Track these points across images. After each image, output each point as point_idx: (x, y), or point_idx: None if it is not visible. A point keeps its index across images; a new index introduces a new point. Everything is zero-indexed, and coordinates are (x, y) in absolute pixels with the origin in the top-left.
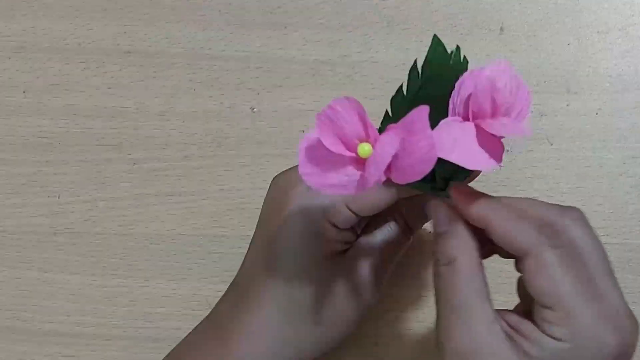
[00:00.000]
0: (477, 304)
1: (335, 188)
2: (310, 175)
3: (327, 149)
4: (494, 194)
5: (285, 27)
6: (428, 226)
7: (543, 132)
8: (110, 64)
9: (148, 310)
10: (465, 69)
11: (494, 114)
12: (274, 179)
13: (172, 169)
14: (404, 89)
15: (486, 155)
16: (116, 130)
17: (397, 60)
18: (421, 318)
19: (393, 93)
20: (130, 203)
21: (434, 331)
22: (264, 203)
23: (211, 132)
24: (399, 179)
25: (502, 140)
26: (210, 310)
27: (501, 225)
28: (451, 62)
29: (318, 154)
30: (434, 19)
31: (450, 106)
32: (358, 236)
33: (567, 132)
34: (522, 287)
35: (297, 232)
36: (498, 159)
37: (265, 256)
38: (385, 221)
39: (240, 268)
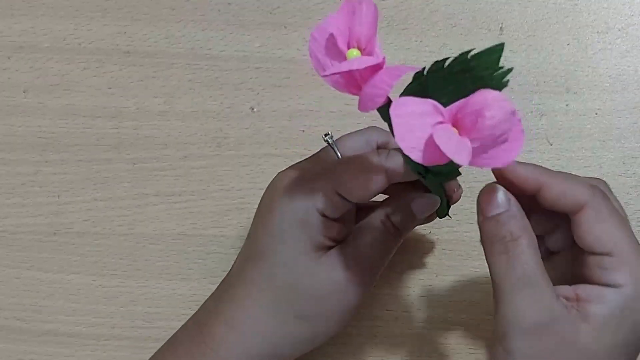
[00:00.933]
0: (544, 277)
1: (318, 65)
2: (315, 41)
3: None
4: None
5: (285, 27)
6: (418, 229)
7: (542, 132)
8: (110, 64)
9: (148, 310)
10: (500, 90)
11: (468, 134)
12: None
13: (171, 169)
14: (447, 62)
15: (419, 147)
16: (116, 130)
17: (397, 60)
18: (421, 318)
19: (393, 92)
20: (130, 203)
21: (438, 331)
22: (260, 201)
23: (211, 132)
24: (359, 104)
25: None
26: None
27: (557, 183)
28: (495, 74)
29: (329, 37)
30: (434, 18)
31: (455, 103)
32: (345, 237)
33: (567, 132)
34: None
35: (282, 223)
36: (427, 159)
37: (252, 250)
38: (374, 224)
39: (232, 265)
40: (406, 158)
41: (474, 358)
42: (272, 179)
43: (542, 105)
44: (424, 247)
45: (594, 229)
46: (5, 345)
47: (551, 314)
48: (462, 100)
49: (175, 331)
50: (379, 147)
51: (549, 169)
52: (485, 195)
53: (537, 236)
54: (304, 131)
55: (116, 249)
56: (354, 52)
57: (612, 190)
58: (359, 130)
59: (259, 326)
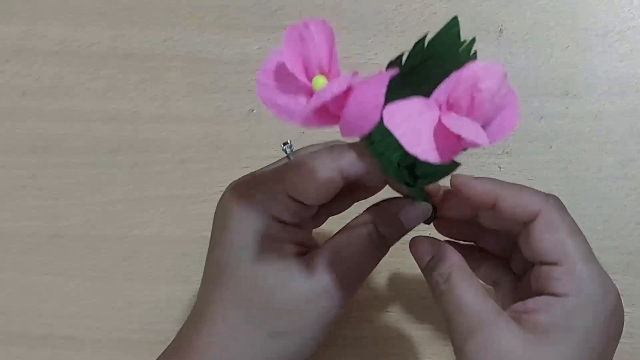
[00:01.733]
0: (484, 305)
1: (281, 110)
2: (264, 86)
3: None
4: None
5: (284, 30)
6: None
7: (542, 134)
8: (108, 67)
9: (147, 314)
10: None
11: (469, 114)
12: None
13: (170, 172)
14: (404, 57)
15: (432, 146)
16: (114, 133)
17: None
18: (421, 318)
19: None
20: (129, 206)
21: (437, 332)
22: (214, 216)
23: (209, 135)
24: (344, 130)
25: (465, 142)
26: None
27: (511, 194)
28: (460, 50)
29: (281, 70)
30: (433, 20)
31: (436, 91)
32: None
33: (566, 135)
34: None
35: (239, 236)
36: (445, 156)
37: (212, 265)
38: (358, 234)
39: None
40: (387, 168)
41: None
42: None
43: (541, 108)
44: None
45: (544, 237)
46: (3, 348)
47: (504, 345)
48: (449, 82)
49: (174, 335)
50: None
51: (504, 182)
52: (412, 249)
53: (502, 262)
54: (303, 133)
55: (114, 252)
56: (320, 80)
57: (611, 193)
58: (324, 144)
59: (232, 348)
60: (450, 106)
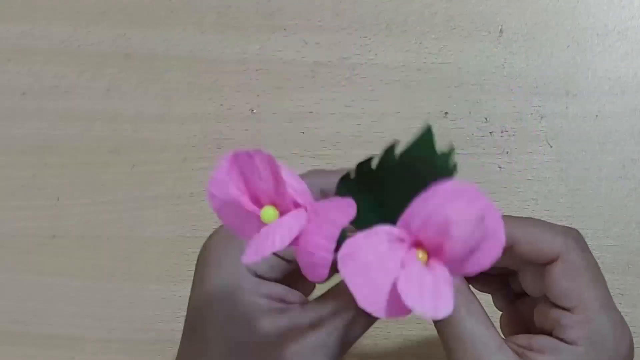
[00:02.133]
0: (485, 337)
1: (237, 230)
2: (216, 199)
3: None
4: (493, 196)
5: (285, 29)
6: None
7: (542, 134)
8: (109, 66)
9: (147, 313)
10: (452, 176)
11: (437, 255)
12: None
13: (171, 172)
14: (373, 162)
15: (384, 303)
16: (115, 133)
17: (396, 62)
18: (421, 318)
19: (392, 94)
20: (129, 206)
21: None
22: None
23: (210, 135)
24: (305, 273)
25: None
26: None
27: (528, 237)
28: (437, 162)
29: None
30: (433, 21)
31: (403, 218)
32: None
33: (567, 135)
34: (513, 317)
35: (214, 292)
36: (391, 314)
37: (186, 323)
38: (343, 294)
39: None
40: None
41: None
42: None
43: (541, 108)
44: None
45: (563, 283)
46: (4, 349)
47: None
48: (418, 215)
49: (175, 333)
50: (322, 192)
51: (519, 220)
52: None
53: (500, 276)
54: (303, 133)
55: (115, 252)
56: (269, 212)
57: (611, 193)
58: (300, 174)
59: None
60: (418, 242)
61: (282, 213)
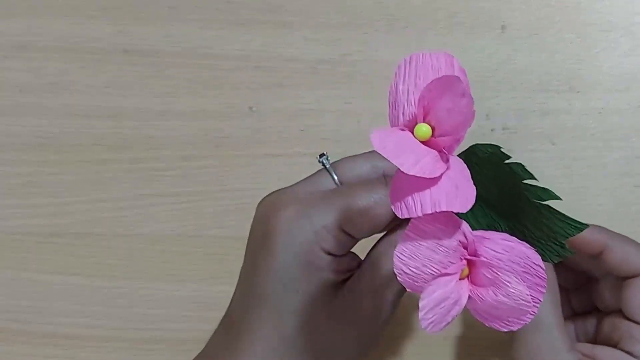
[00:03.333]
0: (560, 328)
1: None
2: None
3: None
4: None
5: (285, 26)
6: None
7: (546, 131)
8: (109, 63)
9: (148, 312)
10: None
11: (480, 288)
12: (259, 203)
13: (171, 169)
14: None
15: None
16: (115, 130)
17: (398, 59)
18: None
19: None
20: (130, 204)
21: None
22: (250, 231)
23: (210, 132)
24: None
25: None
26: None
27: (619, 247)
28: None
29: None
30: (435, 17)
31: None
32: (359, 264)
33: (570, 132)
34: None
35: (286, 266)
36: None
37: (254, 292)
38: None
39: (231, 301)
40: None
41: (474, 359)
42: (261, 202)
43: (545, 104)
44: None
45: None
46: (4, 347)
47: None
48: (491, 254)
49: (176, 333)
50: (385, 175)
51: (613, 232)
52: None
53: (561, 294)
54: (303, 130)
55: (115, 250)
56: (422, 128)
57: (615, 190)
58: (363, 153)
59: None
60: (472, 264)
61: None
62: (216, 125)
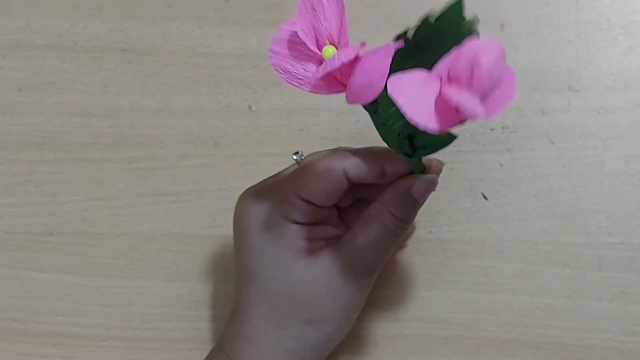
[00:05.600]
0: None
1: (292, 77)
2: (276, 54)
3: (300, 37)
4: (494, 193)
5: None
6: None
7: (544, 130)
8: (106, 62)
9: (145, 311)
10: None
11: (468, 87)
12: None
13: (168, 168)
14: (409, 33)
15: (432, 116)
16: (112, 129)
17: None
18: (421, 318)
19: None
20: (127, 202)
21: (437, 331)
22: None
23: (208, 131)
24: (349, 98)
25: (460, 115)
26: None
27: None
28: (463, 28)
29: (292, 39)
30: None
31: (437, 64)
32: (339, 232)
33: (569, 131)
34: None
35: (258, 241)
36: (443, 126)
37: (240, 272)
38: (373, 223)
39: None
40: (388, 138)
41: (474, 358)
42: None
43: (543, 103)
44: (424, 246)
45: None
46: (1, 346)
47: None
48: (450, 57)
49: (173, 332)
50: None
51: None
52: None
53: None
54: (302, 130)
55: (113, 249)
56: (329, 50)
57: (614, 189)
58: (328, 149)
59: (271, 337)
60: (450, 79)
61: None
62: (214, 123)
